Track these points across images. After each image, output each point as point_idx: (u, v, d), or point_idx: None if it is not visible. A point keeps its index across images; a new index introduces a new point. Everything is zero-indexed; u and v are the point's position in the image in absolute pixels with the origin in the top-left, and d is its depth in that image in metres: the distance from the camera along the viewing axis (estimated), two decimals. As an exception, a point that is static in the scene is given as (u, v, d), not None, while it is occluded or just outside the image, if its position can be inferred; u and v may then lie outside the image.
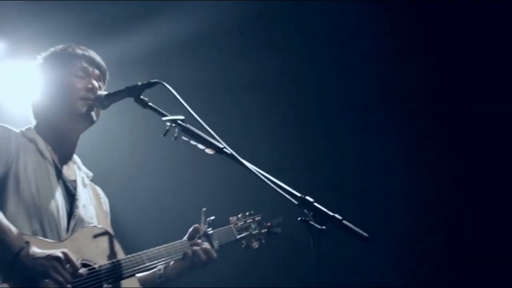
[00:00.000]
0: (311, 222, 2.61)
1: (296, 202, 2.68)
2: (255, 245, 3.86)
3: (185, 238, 3.54)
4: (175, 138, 2.98)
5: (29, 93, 3.49)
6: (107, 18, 5.54)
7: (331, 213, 2.62)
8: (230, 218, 3.83)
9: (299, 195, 2.69)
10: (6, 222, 2.99)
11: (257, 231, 3.87)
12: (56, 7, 5.39)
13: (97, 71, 3.44)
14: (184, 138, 2.98)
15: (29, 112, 3.46)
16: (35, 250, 2.96)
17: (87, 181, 3.48)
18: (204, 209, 3.60)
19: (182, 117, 3.00)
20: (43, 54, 3.48)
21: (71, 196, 3.32)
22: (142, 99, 3.14)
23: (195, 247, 3.49)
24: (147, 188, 5.68)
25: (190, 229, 3.57)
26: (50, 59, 3.45)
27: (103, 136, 4.44)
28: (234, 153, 2.86)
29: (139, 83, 3.16)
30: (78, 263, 3.02)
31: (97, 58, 3.49)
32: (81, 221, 3.27)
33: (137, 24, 5.60)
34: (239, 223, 3.83)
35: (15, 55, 5.54)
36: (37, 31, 5.31)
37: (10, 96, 5.60)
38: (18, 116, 3.68)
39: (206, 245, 3.53)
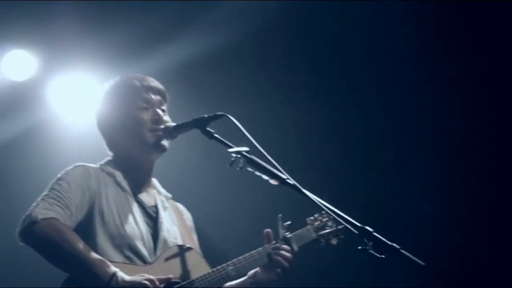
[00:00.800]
0: (371, 251, 2.75)
1: (356, 232, 2.82)
2: (334, 241, 3.95)
3: (265, 245, 3.69)
4: (240, 168, 3.11)
5: (94, 119, 3.69)
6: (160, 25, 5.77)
7: (389, 243, 2.74)
8: (307, 219, 3.93)
9: (359, 225, 2.81)
10: (94, 254, 3.24)
11: (334, 228, 3.93)
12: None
13: (158, 97, 3.61)
14: (249, 169, 3.13)
15: (104, 144, 3.68)
16: (124, 277, 3.21)
17: (166, 204, 3.68)
18: (280, 215, 3.75)
19: (246, 149, 3.13)
20: (104, 88, 3.67)
21: (153, 221, 3.55)
22: (208, 131, 3.30)
23: (275, 256, 3.63)
24: (222, 206, 6.02)
25: (264, 235, 3.70)
26: (112, 93, 3.63)
27: (176, 161, 4.68)
28: (296, 183, 3.00)
29: (205, 115, 3.32)
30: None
31: (155, 83, 3.65)
32: (165, 243, 3.50)
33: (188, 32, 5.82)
34: (316, 223, 3.92)
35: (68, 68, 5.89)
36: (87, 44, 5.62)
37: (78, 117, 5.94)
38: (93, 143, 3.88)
39: (286, 249, 3.67)
